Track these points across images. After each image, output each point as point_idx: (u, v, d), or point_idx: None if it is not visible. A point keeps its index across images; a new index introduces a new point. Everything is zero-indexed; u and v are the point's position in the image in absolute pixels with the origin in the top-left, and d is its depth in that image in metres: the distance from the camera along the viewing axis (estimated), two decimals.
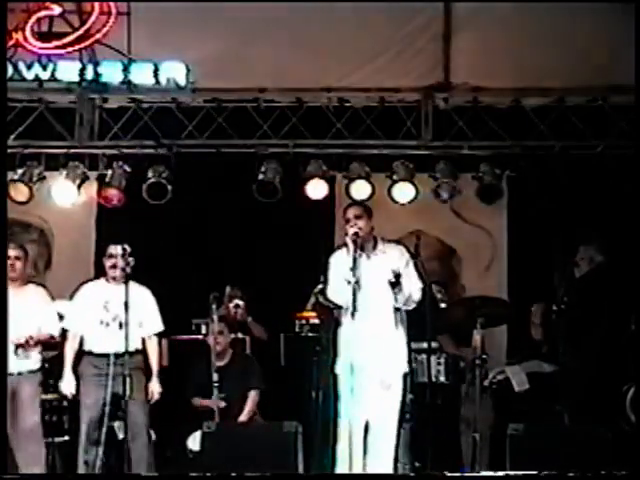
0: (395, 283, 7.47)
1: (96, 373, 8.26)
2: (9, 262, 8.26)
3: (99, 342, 8.30)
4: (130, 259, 8.26)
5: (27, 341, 8.12)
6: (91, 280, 8.76)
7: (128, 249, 8.31)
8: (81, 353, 8.43)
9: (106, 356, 8.21)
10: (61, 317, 8.46)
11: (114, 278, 8.36)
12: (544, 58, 9.54)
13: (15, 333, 8.05)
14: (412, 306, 7.64)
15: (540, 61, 9.55)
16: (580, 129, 9.72)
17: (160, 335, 8.63)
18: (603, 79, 9.57)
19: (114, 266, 8.35)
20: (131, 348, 8.19)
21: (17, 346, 8.09)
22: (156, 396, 8.38)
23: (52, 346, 8.64)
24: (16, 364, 8.09)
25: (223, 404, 8.83)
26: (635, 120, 9.16)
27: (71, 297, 8.55)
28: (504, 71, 9.66)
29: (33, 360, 8.29)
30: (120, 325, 8.15)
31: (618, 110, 9.66)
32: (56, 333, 8.36)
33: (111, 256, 8.38)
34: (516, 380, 9.07)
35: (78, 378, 8.37)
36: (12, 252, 8.33)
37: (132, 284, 8.27)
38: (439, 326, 8.79)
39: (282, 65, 9.75)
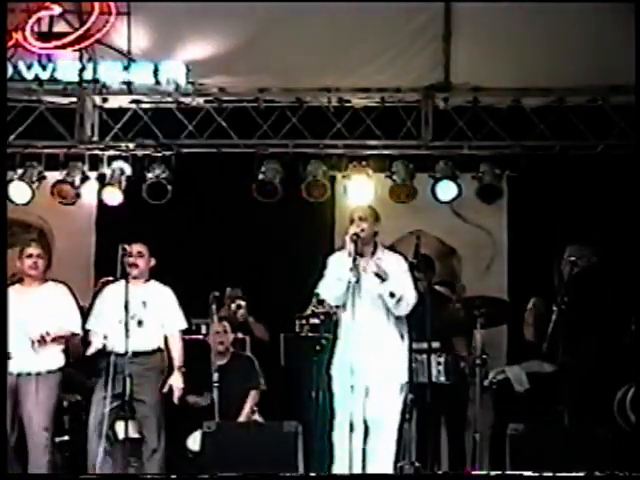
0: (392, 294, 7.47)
1: (112, 372, 8.21)
2: (32, 260, 8.24)
3: (117, 341, 8.25)
4: (139, 258, 8.30)
5: (43, 337, 8.02)
6: (113, 281, 8.71)
7: (128, 249, 8.29)
8: (100, 352, 8.41)
9: (123, 355, 8.16)
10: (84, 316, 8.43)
11: (134, 277, 8.33)
12: (544, 58, 9.54)
13: (35, 331, 8.01)
14: (407, 311, 7.61)
15: (540, 61, 9.56)
16: (580, 129, 9.73)
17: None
18: (603, 79, 9.57)
19: (134, 265, 8.33)
20: (149, 347, 8.21)
21: (33, 342, 8.00)
22: (177, 392, 8.34)
23: (76, 351, 8.58)
24: (36, 363, 8.03)
25: (208, 401, 8.74)
26: (635, 120, 9.17)
27: (93, 300, 8.55)
28: (504, 71, 9.67)
29: (54, 359, 8.19)
30: (139, 323, 8.15)
31: (618, 110, 9.66)
32: (78, 330, 8.29)
33: (130, 255, 8.34)
34: (516, 380, 9.07)
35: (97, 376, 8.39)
36: (34, 250, 8.29)
37: (153, 283, 8.39)
38: (446, 328, 8.79)
39: (282, 65, 9.75)
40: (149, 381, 8.23)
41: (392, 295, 7.46)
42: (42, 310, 8.13)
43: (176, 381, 8.34)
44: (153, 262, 8.50)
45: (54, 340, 8.13)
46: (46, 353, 8.11)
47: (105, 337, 8.27)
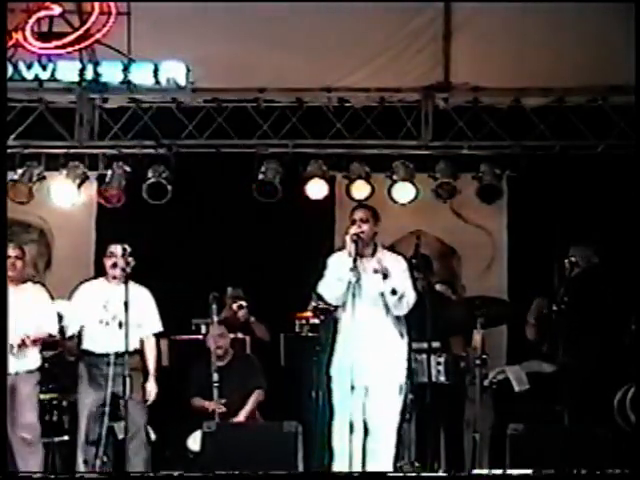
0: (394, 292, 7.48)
1: (95, 373, 8.26)
2: (10, 261, 8.23)
3: (99, 341, 8.30)
4: (130, 259, 8.27)
5: (23, 341, 8.04)
6: (90, 279, 8.75)
7: (128, 249, 8.31)
8: (81, 352, 8.43)
9: (105, 356, 8.20)
10: (60, 316, 8.43)
11: (114, 277, 8.35)
12: (544, 58, 9.55)
13: (13, 332, 7.99)
14: (407, 309, 7.61)
15: (540, 61, 9.56)
16: (580, 129, 9.73)
17: (160, 335, 8.63)
18: (603, 79, 9.58)
19: (114, 265, 8.35)
20: (130, 348, 8.19)
21: (13, 346, 8.01)
22: (152, 397, 8.35)
23: (51, 345, 8.61)
24: (14, 363, 8.03)
25: (223, 408, 8.81)
26: (635, 120, 9.17)
27: (70, 296, 8.53)
28: (504, 71, 9.67)
29: (31, 359, 8.22)
30: (120, 324, 8.14)
31: (618, 110, 9.67)
32: (54, 332, 8.31)
33: (112, 255, 8.37)
34: (516, 380, 9.07)
35: (77, 378, 8.38)
36: (12, 252, 8.31)
37: (131, 284, 8.25)
38: (446, 328, 8.79)
39: (282, 65, 9.75)
40: (133, 381, 8.18)
41: (394, 292, 7.46)
42: (21, 312, 8.12)
43: (150, 387, 8.36)
44: (133, 263, 8.44)
45: (34, 342, 8.15)
46: (24, 353, 8.13)
47: (82, 327, 8.32)
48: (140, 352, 8.40)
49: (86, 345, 8.38)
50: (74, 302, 8.43)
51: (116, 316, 8.18)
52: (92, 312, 8.33)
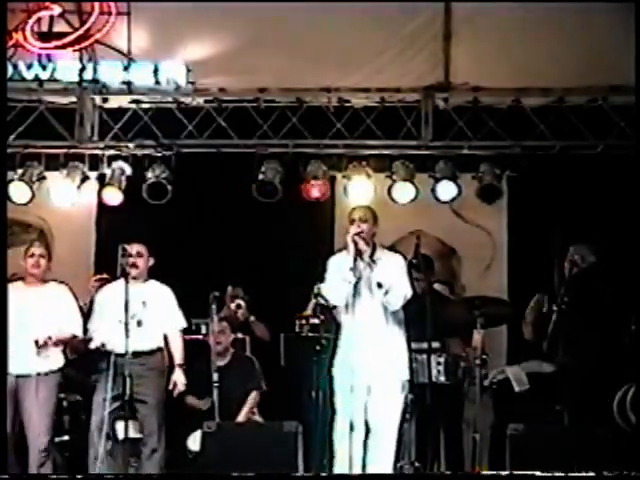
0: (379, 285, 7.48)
1: (112, 372, 8.23)
2: (34, 260, 8.25)
3: (117, 341, 8.27)
4: (130, 259, 8.29)
5: (46, 342, 8.03)
6: (109, 279, 8.73)
7: (128, 248, 8.32)
8: (101, 352, 8.43)
9: (123, 355, 8.18)
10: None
11: (133, 277, 8.34)
12: (544, 58, 9.55)
13: (36, 332, 8.01)
14: (398, 305, 7.60)
15: (540, 61, 9.57)
16: (580, 129, 9.73)
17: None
18: (603, 79, 9.58)
19: (133, 265, 8.35)
20: (149, 347, 8.24)
21: (37, 345, 8.02)
22: (180, 387, 8.40)
23: (76, 348, 8.61)
24: (36, 364, 8.03)
25: (208, 404, 8.79)
26: (635, 120, 9.17)
27: (92, 299, 8.58)
28: (504, 71, 9.67)
29: (54, 360, 8.19)
30: (138, 323, 8.17)
31: (618, 110, 9.67)
32: (79, 332, 8.30)
33: (130, 255, 8.36)
34: (516, 380, 9.08)
35: (91, 377, 8.42)
36: (37, 250, 8.31)
37: (153, 282, 8.45)
38: (446, 328, 8.79)
39: (282, 65, 9.76)
40: (150, 381, 8.26)
41: (380, 285, 7.46)
42: (44, 311, 8.14)
43: (178, 377, 8.40)
44: (152, 262, 8.54)
45: (56, 344, 8.14)
46: (46, 354, 8.12)
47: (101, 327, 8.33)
48: (160, 351, 8.43)
49: (105, 344, 8.36)
50: (96, 304, 8.46)
51: (134, 315, 8.19)
52: (111, 312, 8.32)
